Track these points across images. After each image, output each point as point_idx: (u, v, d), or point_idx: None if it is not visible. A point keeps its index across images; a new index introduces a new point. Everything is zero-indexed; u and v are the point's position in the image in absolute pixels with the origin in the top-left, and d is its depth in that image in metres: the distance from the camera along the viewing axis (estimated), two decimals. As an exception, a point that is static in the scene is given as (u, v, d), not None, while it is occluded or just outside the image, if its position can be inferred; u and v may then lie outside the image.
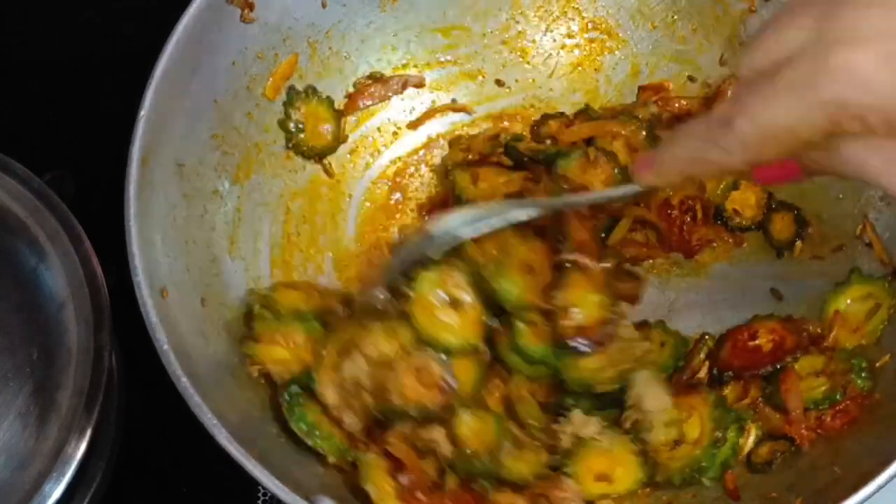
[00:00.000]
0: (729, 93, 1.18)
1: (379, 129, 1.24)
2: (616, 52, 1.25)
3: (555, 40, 1.26)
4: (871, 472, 0.87)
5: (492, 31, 1.25)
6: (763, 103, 0.66)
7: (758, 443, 1.02)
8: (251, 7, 1.08)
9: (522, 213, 0.97)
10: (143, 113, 0.98)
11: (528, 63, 1.26)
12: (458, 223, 0.99)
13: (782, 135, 0.66)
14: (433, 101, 1.25)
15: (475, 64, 1.25)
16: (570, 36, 1.26)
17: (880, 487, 0.87)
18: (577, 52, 1.26)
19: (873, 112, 0.63)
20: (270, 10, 1.10)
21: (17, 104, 1.32)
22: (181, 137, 1.03)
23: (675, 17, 1.22)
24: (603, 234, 1.10)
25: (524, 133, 1.23)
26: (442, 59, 1.25)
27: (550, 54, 1.26)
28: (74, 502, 1.05)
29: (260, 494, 1.13)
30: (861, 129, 0.64)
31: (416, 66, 1.24)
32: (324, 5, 1.15)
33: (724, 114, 0.70)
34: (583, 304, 0.98)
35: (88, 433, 0.96)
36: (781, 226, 1.15)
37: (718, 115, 0.71)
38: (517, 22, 1.25)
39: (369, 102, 1.22)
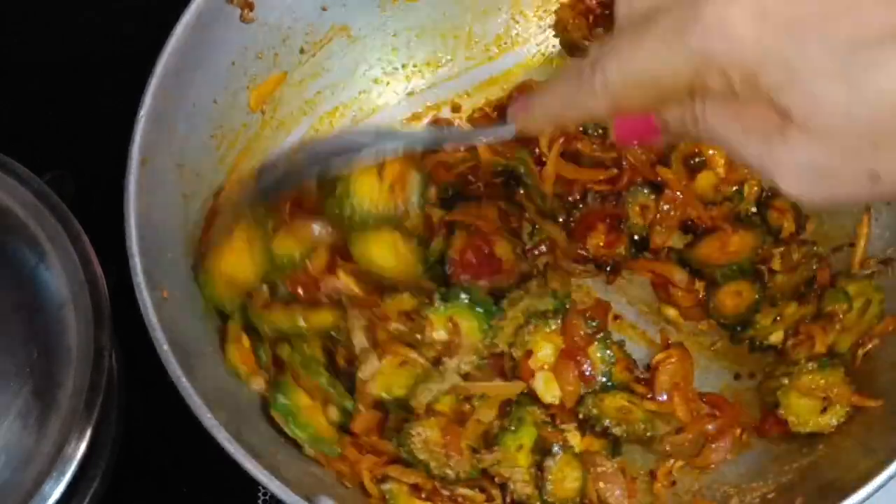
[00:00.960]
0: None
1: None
2: (616, 52, 1.25)
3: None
4: (870, 472, 0.87)
5: (492, 31, 1.25)
6: (630, 47, 0.65)
7: None
8: (251, 7, 1.08)
9: (392, 146, 0.91)
10: (142, 113, 0.98)
11: (528, 62, 1.26)
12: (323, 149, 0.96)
13: (646, 81, 0.65)
14: (434, 101, 1.25)
15: (476, 62, 1.25)
16: (569, 36, 1.26)
17: (880, 487, 0.87)
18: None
19: (736, 68, 0.62)
20: (270, 10, 1.10)
21: (17, 104, 1.32)
22: (181, 137, 1.03)
23: (675, 16, 1.22)
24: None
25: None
26: (442, 59, 1.25)
27: (551, 54, 1.26)
28: (74, 502, 1.05)
29: (260, 494, 1.13)
30: (722, 88, 0.63)
31: (415, 65, 1.24)
32: (324, 8, 1.15)
33: (594, 55, 0.68)
34: None
35: (88, 433, 0.96)
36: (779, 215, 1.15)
37: (590, 58, 0.68)
38: (517, 22, 1.25)
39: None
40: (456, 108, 1.25)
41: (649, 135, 0.73)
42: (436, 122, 1.24)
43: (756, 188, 1.15)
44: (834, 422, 1.00)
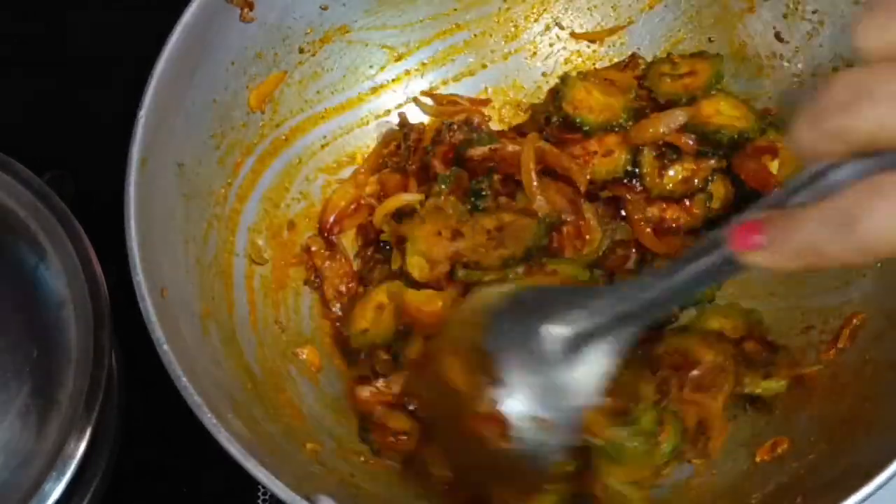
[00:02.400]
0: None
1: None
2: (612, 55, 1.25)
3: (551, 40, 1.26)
4: (871, 472, 0.87)
5: (492, 29, 1.25)
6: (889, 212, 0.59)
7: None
8: (251, 6, 1.08)
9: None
10: (142, 113, 0.98)
11: (528, 60, 1.26)
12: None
13: None
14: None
15: (477, 61, 1.26)
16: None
17: (880, 486, 0.87)
18: (574, 55, 1.26)
19: None
20: (270, 10, 1.10)
21: (17, 104, 1.32)
22: (181, 137, 1.04)
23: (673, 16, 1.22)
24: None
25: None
26: (442, 58, 1.25)
27: (549, 54, 1.26)
28: (74, 502, 1.05)
29: (260, 494, 1.13)
30: None
31: (415, 65, 1.25)
32: (324, 8, 1.15)
33: (847, 210, 0.61)
34: None
35: (88, 433, 0.96)
36: None
37: (841, 209, 0.61)
38: (516, 24, 1.25)
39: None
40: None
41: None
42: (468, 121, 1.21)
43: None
44: None
